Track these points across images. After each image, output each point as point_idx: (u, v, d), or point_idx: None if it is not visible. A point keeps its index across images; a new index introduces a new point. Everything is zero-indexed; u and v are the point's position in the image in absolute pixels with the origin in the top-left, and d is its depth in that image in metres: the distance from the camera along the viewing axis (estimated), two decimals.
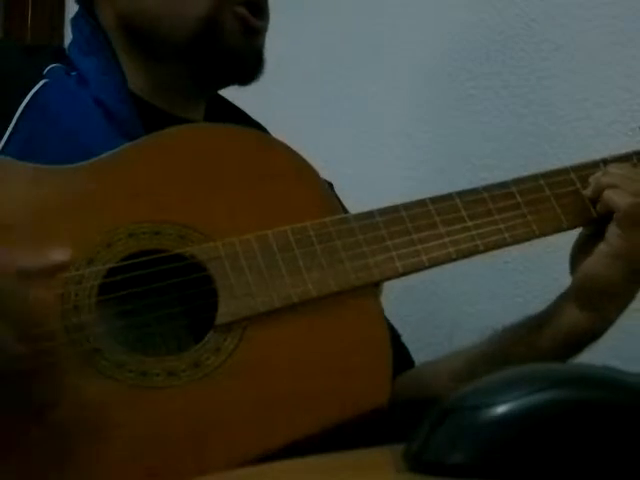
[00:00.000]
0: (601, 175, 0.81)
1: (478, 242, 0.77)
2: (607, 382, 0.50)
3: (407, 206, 0.77)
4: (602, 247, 0.79)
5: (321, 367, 0.70)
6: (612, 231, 0.78)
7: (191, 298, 0.71)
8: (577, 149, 1.13)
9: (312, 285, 0.71)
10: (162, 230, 0.71)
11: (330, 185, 0.89)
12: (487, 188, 0.80)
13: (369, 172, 1.32)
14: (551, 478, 0.46)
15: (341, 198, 0.90)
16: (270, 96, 1.12)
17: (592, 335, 0.81)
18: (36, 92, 0.84)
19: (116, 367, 0.66)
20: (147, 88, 0.92)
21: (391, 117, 1.33)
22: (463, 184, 0.80)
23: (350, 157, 1.34)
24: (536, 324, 0.84)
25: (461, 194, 0.79)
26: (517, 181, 0.81)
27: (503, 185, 0.80)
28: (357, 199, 0.84)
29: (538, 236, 0.79)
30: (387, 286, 0.77)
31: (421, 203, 0.78)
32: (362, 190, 1.03)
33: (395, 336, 0.93)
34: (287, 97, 1.39)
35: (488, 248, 0.78)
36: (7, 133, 0.80)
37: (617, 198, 0.78)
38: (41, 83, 0.85)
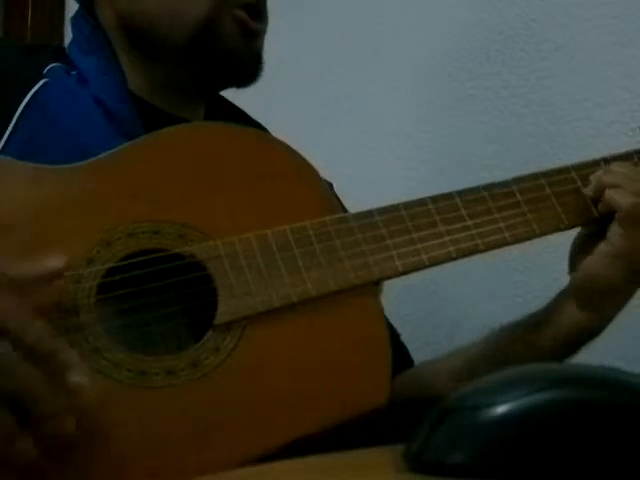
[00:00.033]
0: (602, 174, 0.80)
1: (478, 241, 0.77)
2: (607, 382, 0.50)
3: (407, 205, 0.77)
4: (603, 247, 0.79)
5: (320, 366, 0.70)
6: (614, 231, 0.78)
7: (191, 297, 0.71)
8: (577, 149, 1.13)
9: (311, 284, 0.71)
10: (161, 229, 0.71)
11: (330, 185, 0.89)
12: (487, 187, 0.80)
13: (369, 172, 1.32)
14: (551, 478, 0.46)
15: (341, 198, 0.90)
16: (270, 96, 1.12)
17: (591, 333, 0.82)
18: (36, 92, 0.84)
19: (115, 367, 0.65)
20: (147, 88, 0.92)
21: (391, 117, 1.33)
22: (463, 184, 0.80)
23: (350, 157, 1.34)
24: (534, 323, 0.84)
25: (461, 193, 0.79)
26: (517, 180, 0.80)
27: (503, 184, 0.80)
28: (357, 199, 0.84)
29: (538, 235, 0.79)
30: (387, 285, 0.77)
31: (421, 202, 0.77)
32: (362, 190, 1.03)
33: (394, 335, 0.93)
34: (287, 97, 1.39)
35: (488, 247, 0.78)
36: (7, 133, 0.80)
37: (619, 198, 0.78)
38: (41, 82, 0.85)
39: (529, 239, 0.79)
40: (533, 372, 0.52)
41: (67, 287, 0.66)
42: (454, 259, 0.76)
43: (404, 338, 0.96)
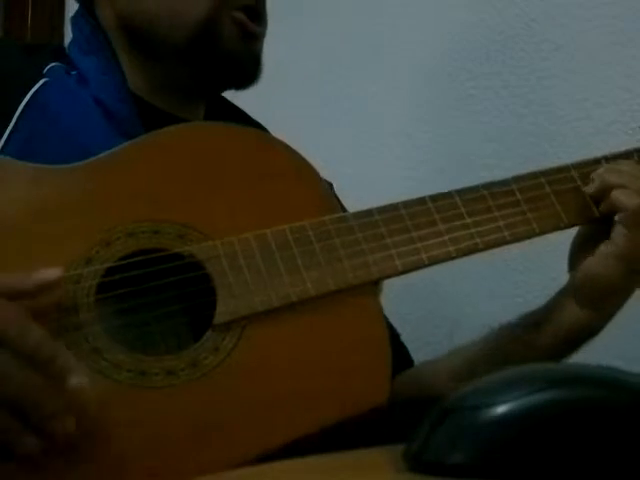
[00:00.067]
0: (604, 172, 0.80)
1: (477, 240, 0.77)
2: (607, 382, 0.50)
3: (406, 204, 0.77)
4: (606, 247, 0.78)
5: (320, 366, 0.69)
6: (618, 231, 0.78)
7: (190, 297, 0.71)
8: (577, 149, 1.13)
9: (311, 284, 0.71)
10: (161, 229, 0.71)
11: (330, 185, 0.89)
12: (487, 186, 0.79)
13: (369, 172, 1.32)
14: (551, 478, 0.46)
15: (341, 198, 0.90)
16: (270, 96, 1.12)
17: (590, 332, 0.81)
18: (36, 91, 0.84)
19: (115, 367, 0.65)
20: (147, 88, 0.92)
21: (391, 117, 1.33)
22: (463, 184, 0.80)
23: (350, 157, 1.34)
24: (534, 322, 0.84)
25: (460, 192, 0.78)
26: (517, 179, 0.80)
27: (503, 183, 0.80)
28: (357, 199, 0.84)
29: (538, 234, 0.79)
30: (387, 285, 0.77)
31: (420, 201, 0.77)
32: (362, 190, 1.03)
33: (394, 335, 0.93)
34: (287, 97, 1.39)
35: (488, 246, 0.77)
36: (7, 132, 0.80)
37: (624, 198, 0.77)
38: (41, 82, 0.85)
39: (529, 238, 0.79)
40: (533, 372, 0.51)
41: (66, 287, 0.66)
42: (453, 258, 0.76)
43: (404, 338, 0.96)
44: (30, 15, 1.79)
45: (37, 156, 0.74)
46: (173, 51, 0.90)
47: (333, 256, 0.73)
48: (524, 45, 1.22)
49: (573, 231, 0.83)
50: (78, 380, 0.60)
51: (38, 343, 0.60)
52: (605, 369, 0.51)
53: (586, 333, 0.81)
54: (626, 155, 0.83)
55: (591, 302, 0.80)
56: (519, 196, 0.79)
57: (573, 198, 0.81)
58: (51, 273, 0.64)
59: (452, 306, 1.25)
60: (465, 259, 0.77)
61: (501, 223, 0.78)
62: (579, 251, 0.82)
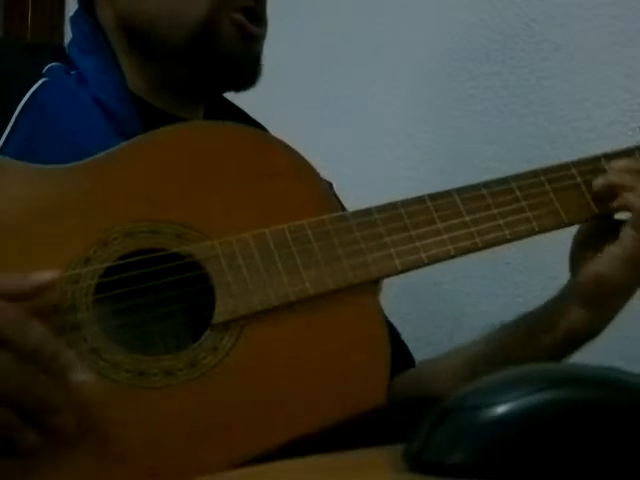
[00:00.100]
0: (616, 170, 0.79)
1: (477, 239, 0.77)
2: (607, 382, 0.50)
3: (405, 203, 0.77)
4: (615, 249, 0.78)
5: (319, 366, 0.69)
6: (627, 233, 0.77)
7: (189, 296, 0.71)
8: (577, 149, 1.12)
9: (309, 283, 0.71)
10: (159, 229, 0.71)
11: (330, 185, 0.89)
12: (486, 184, 0.79)
13: (369, 172, 1.32)
14: (551, 478, 0.45)
15: (341, 198, 0.90)
16: (270, 96, 1.11)
17: (591, 333, 0.81)
18: (35, 91, 0.84)
19: (113, 367, 0.65)
20: (146, 88, 0.92)
21: (391, 117, 1.33)
22: (463, 184, 0.79)
23: (350, 157, 1.34)
24: (534, 322, 0.84)
25: (460, 190, 0.78)
26: (516, 177, 0.80)
27: (502, 181, 0.80)
28: (357, 199, 0.83)
29: (538, 232, 0.79)
30: (386, 284, 0.77)
31: (419, 200, 0.77)
32: (362, 190, 1.03)
33: (395, 334, 0.93)
34: (287, 97, 1.39)
35: (487, 244, 0.77)
36: (6, 132, 0.80)
37: (634, 199, 0.77)
38: (40, 82, 0.85)
39: (528, 236, 0.79)
40: (533, 372, 0.51)
41: (65, 287, 0.66)
42: (453, 257, 0.76)
43: (404, 337, 0.96)
44: (30, 15, 1.79)
45: (36, 156, 0.74)
46: (173, 51, 0.90)
47: (332, 255, 0.73)
48: (524, 45, 1.22)
49: (573, 230, 0.83)
50: (80, 377, 0.61)
51: (41, 341, 0.60)
52: (605, 369, 0.51)
53: (586, 334, 0.81)
54: (627, 153, 0.83)
55: (593, 302, 0.79)
56: (518, 194, 0.79)
57: (573, 196, 0.80)
58: (47, 275, 0.64)
59: (453, 306, 1.25)
60: (465, 259, 0.77)
61: (500, 221, 0.78)
62: (581, 250, 0.82)
